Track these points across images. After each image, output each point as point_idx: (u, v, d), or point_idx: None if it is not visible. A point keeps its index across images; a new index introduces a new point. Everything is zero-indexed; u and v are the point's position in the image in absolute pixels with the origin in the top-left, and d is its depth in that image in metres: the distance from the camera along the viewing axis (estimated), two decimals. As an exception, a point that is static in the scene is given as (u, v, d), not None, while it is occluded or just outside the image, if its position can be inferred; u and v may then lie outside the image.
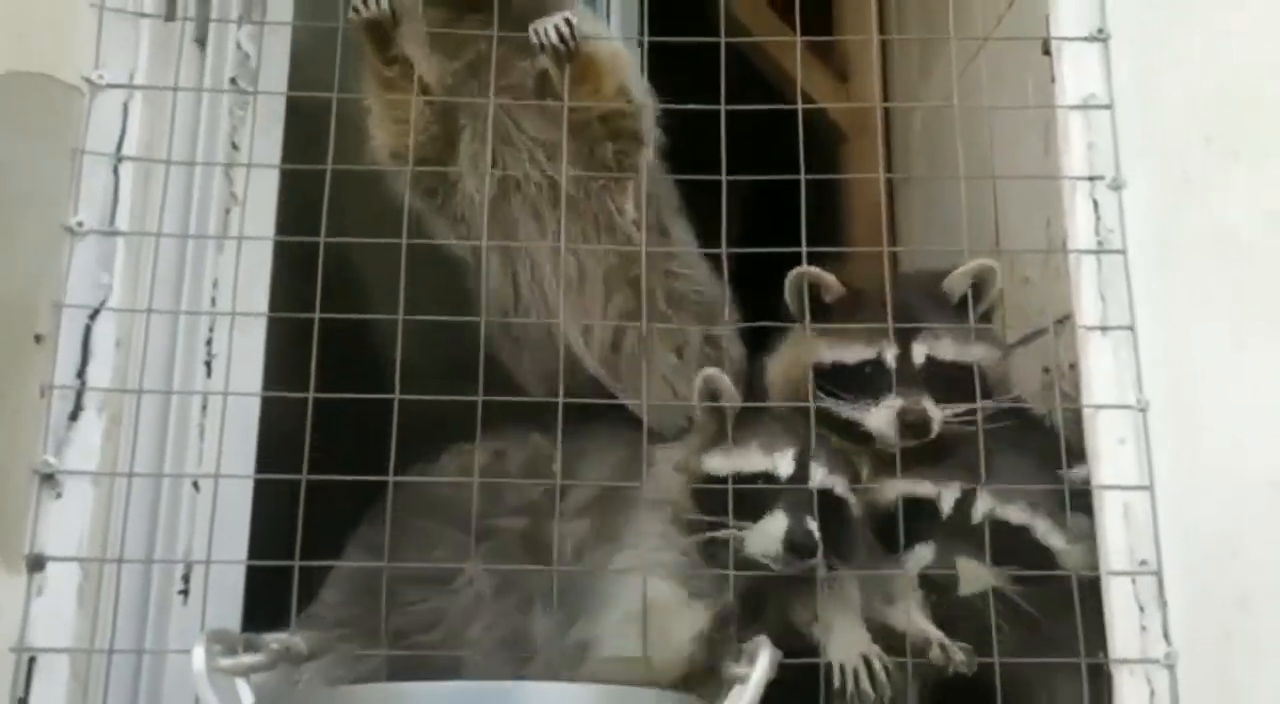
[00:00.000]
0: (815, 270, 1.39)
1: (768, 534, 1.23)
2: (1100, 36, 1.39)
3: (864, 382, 1.34)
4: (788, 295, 1.40)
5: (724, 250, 1.38)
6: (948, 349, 1.35)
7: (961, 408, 1.31)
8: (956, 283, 1.41)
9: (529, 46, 1.41)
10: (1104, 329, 1.31)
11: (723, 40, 1.37)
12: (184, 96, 1.40)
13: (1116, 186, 1.34)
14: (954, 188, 1.41)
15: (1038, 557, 1.27)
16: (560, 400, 1.19)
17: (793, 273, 1.38)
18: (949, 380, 1.33)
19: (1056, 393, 1.39)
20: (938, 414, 1.31)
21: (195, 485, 1.35)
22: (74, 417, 1.25)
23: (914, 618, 1.25)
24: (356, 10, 1.42)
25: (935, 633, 1.22)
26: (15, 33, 1.24)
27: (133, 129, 1.34)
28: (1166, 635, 1.19)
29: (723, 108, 1.28)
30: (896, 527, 1.29)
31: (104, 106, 1.33)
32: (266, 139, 1.48)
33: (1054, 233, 1.48)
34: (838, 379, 1.35)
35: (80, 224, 1.29)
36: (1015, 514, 1.28)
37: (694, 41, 1.34)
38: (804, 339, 1.38)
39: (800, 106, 1.34)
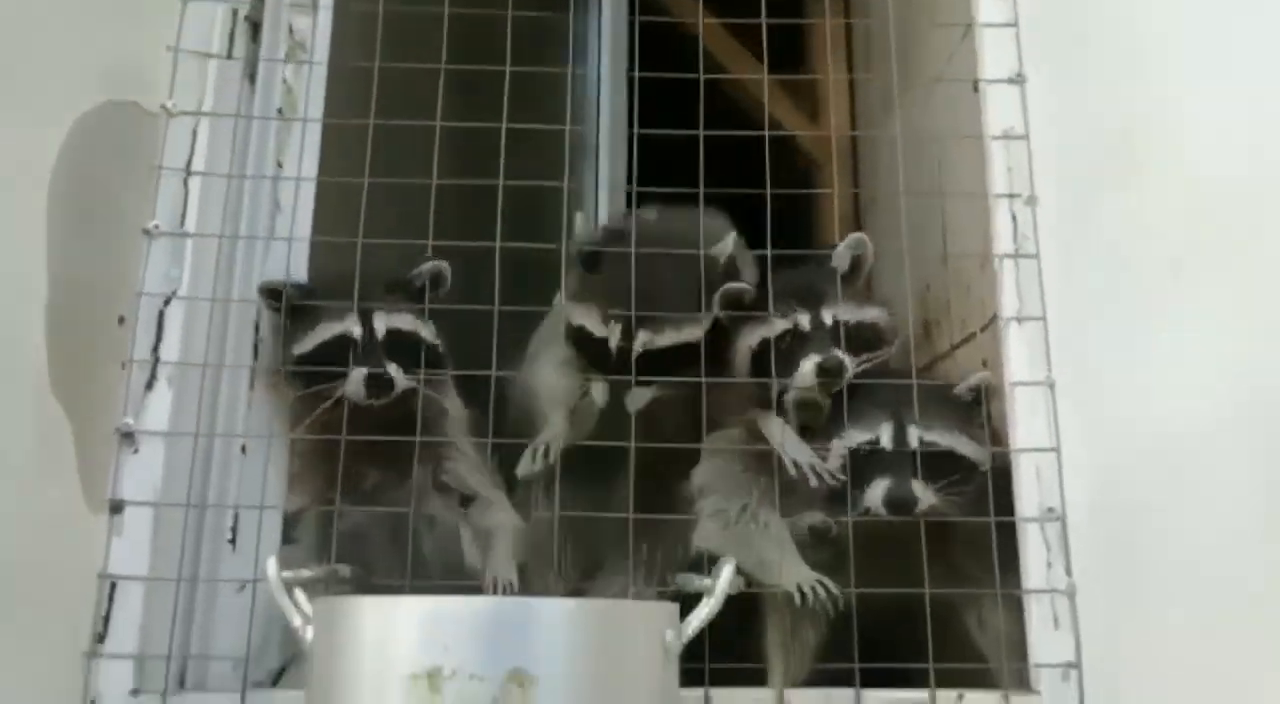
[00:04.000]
0: (734, 285, 1.68)
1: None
2: (1018, 79, 1.66)
3: (788, 347, 1.63)
4: (716, 308, 1.68)
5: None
6: (848, 312, 1.64)
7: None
8: (840, 258, 1.70)
9: None
10: (1019, 320, 1.56)
11: (701, 77, 1.63)
12: (239, 121, 1.65)
13: (1030, 203, 1.60)
14: (913, 206, 1.74)
15: (965, 470, 1.50)
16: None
17: (718, 293, 1.67)
18: (852, 336, 1.63)
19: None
20: (849, 362, 1.59)
21: (243, 449, 1.57)
22: (149, 386, 1.47)
23: (788, 562, 1.48)
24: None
25: (809, 575, 1.47)
26: (108, 69, 1.48)
27: (200, 149, 1.59)
28: (1069, 570, 1.42)
29: (701, 133, 1.58)
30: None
31: (177, 131, 1.58)
32: (308, 156, 1.71)
33: (989, 244, 1.73)
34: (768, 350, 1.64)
35: (156, 227, 1.53)
36: (941, 438, 1.52)
37: (677, 77, 1.63)
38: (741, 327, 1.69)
39: (768, 133, 1.61)
